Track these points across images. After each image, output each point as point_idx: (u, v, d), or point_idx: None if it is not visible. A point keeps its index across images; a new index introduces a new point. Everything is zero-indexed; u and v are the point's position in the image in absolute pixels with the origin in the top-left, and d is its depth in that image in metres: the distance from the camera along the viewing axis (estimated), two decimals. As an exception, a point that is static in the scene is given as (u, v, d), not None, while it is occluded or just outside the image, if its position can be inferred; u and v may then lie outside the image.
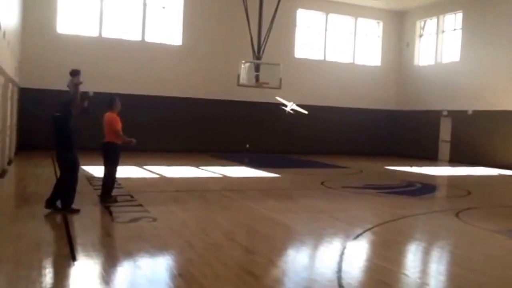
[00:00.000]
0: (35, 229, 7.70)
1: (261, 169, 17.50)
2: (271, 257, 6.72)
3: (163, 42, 24.00)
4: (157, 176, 14.82)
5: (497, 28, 23.06)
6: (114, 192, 10.15)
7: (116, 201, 9.82)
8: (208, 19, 24.42)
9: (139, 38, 23.56)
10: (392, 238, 8.27)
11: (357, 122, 27.82)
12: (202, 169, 16.95)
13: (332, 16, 27.50)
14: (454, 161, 24.76)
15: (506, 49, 22.53)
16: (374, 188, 13.92)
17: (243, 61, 20.68)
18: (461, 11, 25.32)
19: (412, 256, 7.40)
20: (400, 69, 29.09)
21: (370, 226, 8.72)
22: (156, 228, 8.05)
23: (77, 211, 8.70)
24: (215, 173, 16.07)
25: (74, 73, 8.76)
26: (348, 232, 8.32)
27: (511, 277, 6.18)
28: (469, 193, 13.82)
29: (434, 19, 27.22)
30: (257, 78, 20.63)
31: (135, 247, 6.76)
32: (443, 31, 26.82)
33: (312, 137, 26.69)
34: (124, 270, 6.09)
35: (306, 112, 22.16)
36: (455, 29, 25.97)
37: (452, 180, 18.26)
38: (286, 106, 22.03)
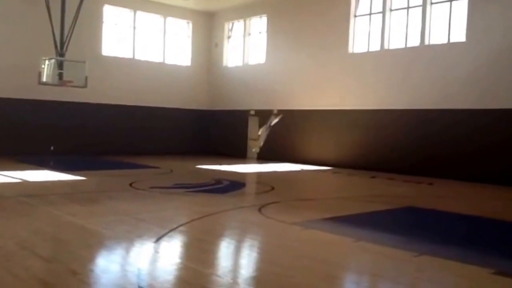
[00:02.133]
0: None
1: (66, 172, 16.60)
2: (70, 265, 6.28)
3: None
4: None
5: (297, 33, 24.68)
6: None
7: None
8: (2, 9, 22.44)
9: None
10: (198, 236, 8.33)
11: (170, 122, 27.83)
12: (-2, 174, 15.59)
13: (140, 14, 27.12)
14: (261, 158, 25.94)
15: (305, 53, 24.22)
16: (182, 188, 13.96)
17: (45, 58, 19.44)
18: (265, 15, 26.60)
19: (218, 253, 7.48)
20: (210, 70, 29.70)
21: (176, 225, 8.68)
22: None
23: None
24: (12, 178, 14.82)
25: None
26: (154, 233, 8.16)
27: (306, 266, 6.53)
28: (273, 188, 14.52)
29: (242, 22, 28.24)
30: (60, 76, 19.56)
31: None
32: (249, 34, 27.93)
33: (124, 137, 26.09)
34: None
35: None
36: (260, 32, 27.20)
37: (259, 177, 19.05)
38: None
